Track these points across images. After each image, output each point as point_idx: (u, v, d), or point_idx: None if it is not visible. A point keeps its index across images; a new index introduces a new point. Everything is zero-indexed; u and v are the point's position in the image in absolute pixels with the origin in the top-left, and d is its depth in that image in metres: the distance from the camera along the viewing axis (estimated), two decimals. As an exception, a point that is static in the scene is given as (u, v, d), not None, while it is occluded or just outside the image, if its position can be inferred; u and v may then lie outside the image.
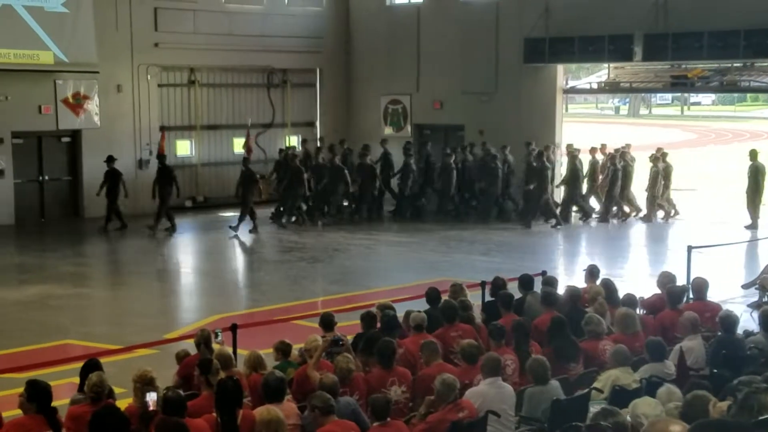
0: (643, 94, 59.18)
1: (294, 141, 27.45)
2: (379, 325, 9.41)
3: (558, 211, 22.76)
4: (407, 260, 19.03)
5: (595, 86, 27.48)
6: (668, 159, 23.56)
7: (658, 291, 11.01)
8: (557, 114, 24.94)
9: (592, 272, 11.49)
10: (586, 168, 23.49)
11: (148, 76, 24.38)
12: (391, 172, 24.63)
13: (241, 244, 20.61)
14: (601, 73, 26.56)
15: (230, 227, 21.07)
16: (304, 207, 22.99)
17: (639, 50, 22.10)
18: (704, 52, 21.53)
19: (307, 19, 27.37)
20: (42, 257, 18.60)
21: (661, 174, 22.79)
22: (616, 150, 23.59)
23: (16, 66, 21.72)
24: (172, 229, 21.25)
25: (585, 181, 23.43)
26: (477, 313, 10.15)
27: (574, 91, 29.36)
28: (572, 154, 23.16)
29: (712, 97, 70.51)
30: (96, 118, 23.51)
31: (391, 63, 27.42)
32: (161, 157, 21.96)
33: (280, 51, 26.55)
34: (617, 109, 79.28)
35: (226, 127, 26.28)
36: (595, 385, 8.13)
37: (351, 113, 28.71)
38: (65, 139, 23.46)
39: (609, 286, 10.71)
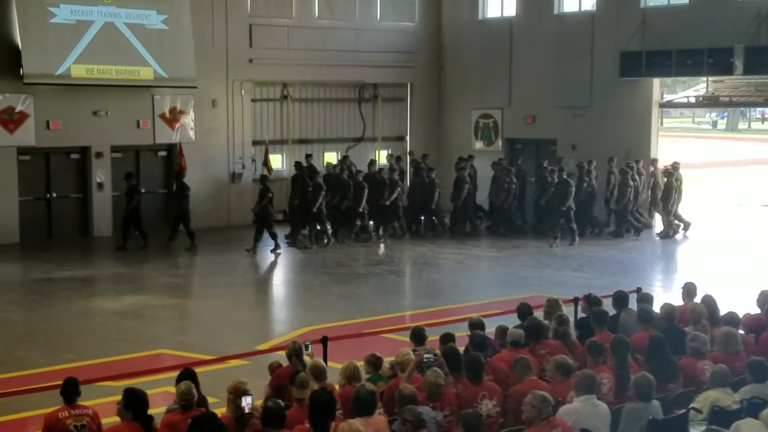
0: (742, 109, 57.75)
1: (383, 155, 27.50)
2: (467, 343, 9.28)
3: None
4: (497, 275, 18.88)
5: (692, 100, 26.95)
6: (680, 172, 23.25)
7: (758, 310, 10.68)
8: (653, 129, 24.49)
9: (689, 290, 11.19)
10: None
11: (243, 92, 24.78)
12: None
13: (330, 257, 20.71)
14: (699, 86, 26.02)
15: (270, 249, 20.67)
16: (327, 227, 22.24)
17: (739, 63, 21.56)
18: (808, 64, 20.96)
19: (398, 34, 27.48)
20: (138, 268, 18.99)
21: (675, 188, 22.58)
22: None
23: (117, 82, 22.31)
24: (190, 244, 20.80)
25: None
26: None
27: (670, 105, 28.83)
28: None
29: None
30: (191, 133, 23.98)
31: (482, 77, 27.31)
32: (178, 175, 21.82)
33: (372, 66, 26.70)
34: (715, 124, 77.40)
35: (317, 141, 26.52)
36: (694, 405, 7.89)
37: (442, 128, 28.67)
38: (161, 153, 23.97)
39: (711, 305, 10.41)
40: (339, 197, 22.18)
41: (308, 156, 23.18)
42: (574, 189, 21.84)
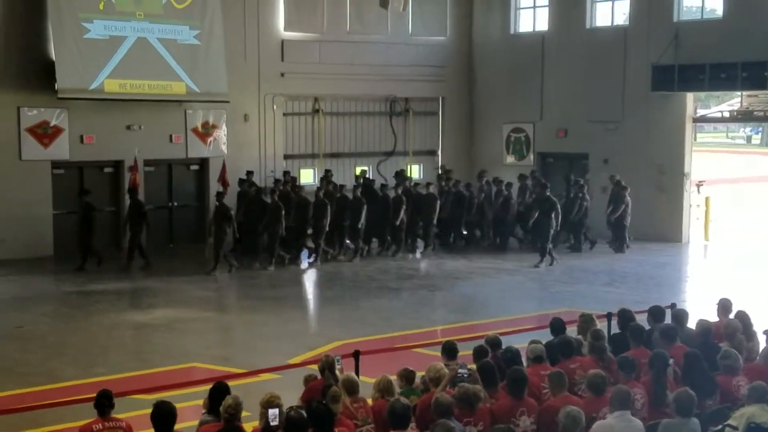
0: (776, 123, 57.15)
1: (415, 169, 27.53)
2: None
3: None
4: (529, 289, 18.77)
5: (726, 115, 26.70)
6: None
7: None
8: (686, 143, 24.31)
9: (725, 306, 11.06)
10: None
11: (274, 106, 24.89)
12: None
13: (361, 271, 20.69)
14: (733, 101, 25.80)
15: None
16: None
17: (773, 77, 21.39)
18: None
19: (430, 48, 27.50)
20: (169, 282, 19.07)
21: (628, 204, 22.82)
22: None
23: (150, 96, 22.49)
24: (147, 265, 20.30)
25: None
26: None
27: (704, 119, 28.64)
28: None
29: None
30: (223, 147, 24.10)
31: (514, 91, 27.27)
32: (132, 191, 20.91)
33: (403, 80, 26.74)
34: (749, 139, 76.69)
35: (348, 155, 26.56)
36: (730, 422, 7.77)
37: (473, 142, 28.63)
38: (194, 167, 24.11)
39: (745, 320, 10.28)
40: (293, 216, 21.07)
41: (285, 173, 23.05)
42: (560, 207, 21.30)
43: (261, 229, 20.71)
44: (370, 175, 26.08)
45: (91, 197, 20.44)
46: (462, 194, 23.60)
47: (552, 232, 21.06)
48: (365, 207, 21.58)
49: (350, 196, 22.01)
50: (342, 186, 22.62)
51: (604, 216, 23.13)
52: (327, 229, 21.16)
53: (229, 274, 19.82)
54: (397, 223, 22.14)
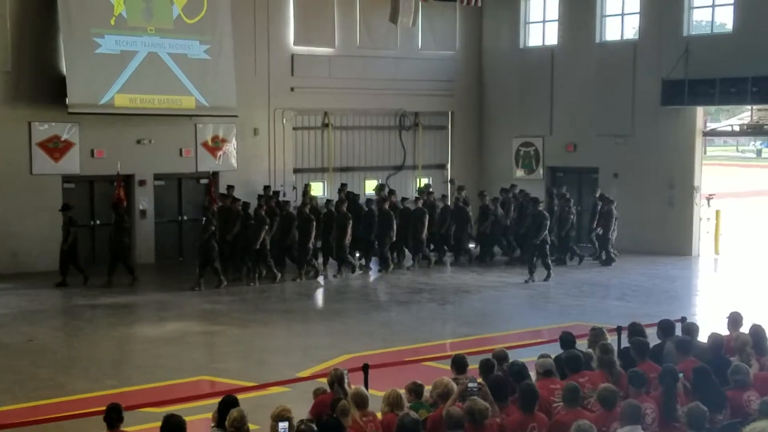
0: (787, 137, 57.00)
1: (424, 183, 27.55)
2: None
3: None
4: (539, 303, 18.73)
5: (736, 128, 26.67)
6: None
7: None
8: (696, 157, 24.28)
9: (735, 320, 11.00)
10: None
11: (284, 120, 24.95)
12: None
13: (370, 284, 20.68)
14: (743, 115, 25.78)
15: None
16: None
17: (784, 91, 21.37)
18: None
19: (439, 63, 27.57)
20: (180, 295, 19.09)
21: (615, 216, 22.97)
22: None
23: (160, 111, 22.58)
24: (134, 280, 20.00)
25: None
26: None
27: (714, 133, 28.64)
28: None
29: None
30: (233, 161, 24.17)
31: (523, 105, 27.30)
32: (116, 206, 20.32)
33: (413, 94, 26.80)
34: (759, 152, 76.47)
35: (358, 169, 26.60)
36: (741, 437, 7.72)
37: (482, 156, 28.64)
38: (204, 181, 24.15)
39: (758, 334, 10.21)
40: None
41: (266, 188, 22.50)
42: (548, 223, 21.08)
43: (246, 244, 20.31)
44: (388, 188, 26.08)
45: (72, 212, 20.09)
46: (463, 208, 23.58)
47: (547, 247, 20.90)
48: (350, 222, 21.23)
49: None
50: (329, 201, 22.28)
51: (590, 230, 23.51)
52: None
53: (219, 288, 19.56)
54: (390, 237, 21.87)
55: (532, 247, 20.89)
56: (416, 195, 24.34)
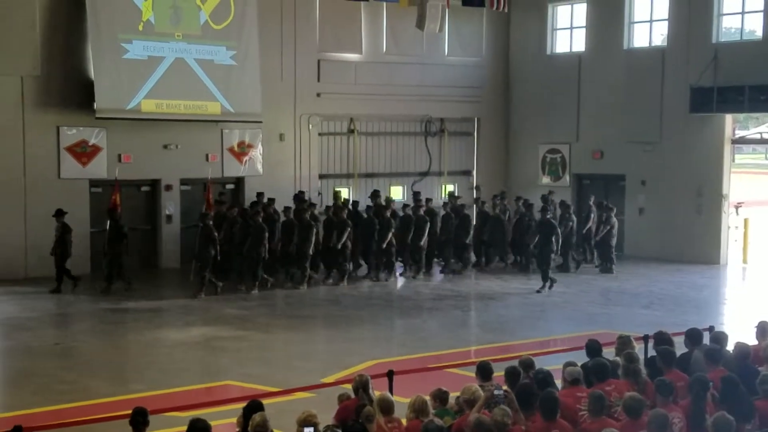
0: (816, 145, 56.44)
1: (450, 189, 27.53)
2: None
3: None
4: (565, 311, 18.62)
5: (766, 136, 26.49)
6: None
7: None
8: (724, 164, 24.09)
9: (764, 329, 10.87)
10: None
11: (310, 126, 25.00)
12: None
13: (395, 291, 20.65)
14: (772, 121, 25.59)
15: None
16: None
17: (813, 98, 21.16)
18: None
19: (466, 69, 27.53)
20: (205, 300, 19.13)
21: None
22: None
23: (186, 116, 22.68)
24: (128, 287, 19.72)
25: None
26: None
27: (743, 141, 28.40)
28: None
29: None
30: (259, 166, 24.24)
31: (550, 112, 27.21)
32: (111, 212, 20.10)
33: (439, 100, 26.78)
34: (788, 160, 75.72)
35: (383, 175, 26.60)
36: (771, 447, 7.63)
37: (508, 162, 28.57)
38: (229, 186, 24.22)
39: (787, 343, 10.11)
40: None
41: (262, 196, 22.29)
42: (558, 231, 20.86)
43: (245, 251, 20.12)
44: (404, 195, 26.09)
45: (66, 218, 19.89)
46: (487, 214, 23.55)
47: (553, 256, 20.72)
48: (349, 229, 21.02)
49: (366, 215, 21.88)
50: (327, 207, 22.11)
51: (585, 237, 23.54)
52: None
53: (216, 296, 19.38)
54: (384, 245, 21.57)
55: (543, 256, 20.58)
56: (444, 201, 24.27)
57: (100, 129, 21.88)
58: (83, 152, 21.85)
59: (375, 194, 22.91)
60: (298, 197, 22.19)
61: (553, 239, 20.60)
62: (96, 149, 21.99)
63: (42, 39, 21.15)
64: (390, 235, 21.47)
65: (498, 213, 23.46)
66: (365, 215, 22.00)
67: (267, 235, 20.01)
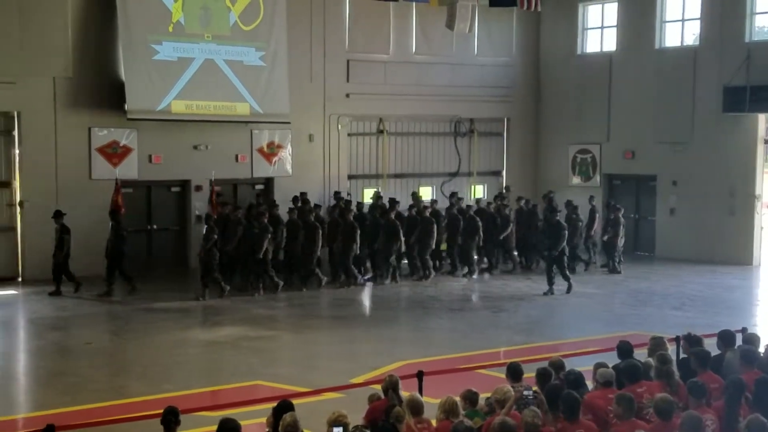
0: None
1: (479, 190, 27.46)
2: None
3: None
4: (595, 312, 18.51)
5: (799, 136, 26.10)
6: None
7: None
8: (757, 165, 23.85)
9: (798, 330, 10.75)
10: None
11: (339, 126, 25.01)
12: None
13: (425, 291, 20.60)
14: (806, 121, 25.20)
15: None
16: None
17: None
18: None
19: (495, 69, 27.44)
20: (233, 300, 19.18)
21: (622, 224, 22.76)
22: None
23: (215, 117, 22.76)
24: (133, 289, 19.54)
25: None
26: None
27: (775, 141, 28.02)
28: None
29: None
30: (288, 167, 24.28)
31: (580, 112, 27.06)
32: (113, 213, 19.80)
33: (468, 100, 26.70)
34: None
35: (412, 175, 26.55)
36: (806, 451, 7.51)
37: (538, 163, 28.44)
38: (259, 187, 24.29)
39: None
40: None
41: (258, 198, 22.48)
42: (566, 233, 20.25)
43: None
44: (434, 195, 26.01)
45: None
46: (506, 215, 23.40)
47: (565, 258, 20.29)
48: (357, 231, 20.72)
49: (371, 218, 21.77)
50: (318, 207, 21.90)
51: (586, 237, 23.42)
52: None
53: (221, 299, 19.21)
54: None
55: (551, 258, 20.20)
56: (489, 201, 24.46)
57: (131, 130, 22.01)
58: (114, 153, 21.98)
59: (378, 197, 23.13)
60: (301, 198, 22.05)
61: (563, 242, 20.02)
62: (127, 150, 22.12)
63: (74, 41, 21.31)
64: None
65: (493, 212, 23.19)
66: (369, 218, 21.79)
67: (269, 236, 19.79)
